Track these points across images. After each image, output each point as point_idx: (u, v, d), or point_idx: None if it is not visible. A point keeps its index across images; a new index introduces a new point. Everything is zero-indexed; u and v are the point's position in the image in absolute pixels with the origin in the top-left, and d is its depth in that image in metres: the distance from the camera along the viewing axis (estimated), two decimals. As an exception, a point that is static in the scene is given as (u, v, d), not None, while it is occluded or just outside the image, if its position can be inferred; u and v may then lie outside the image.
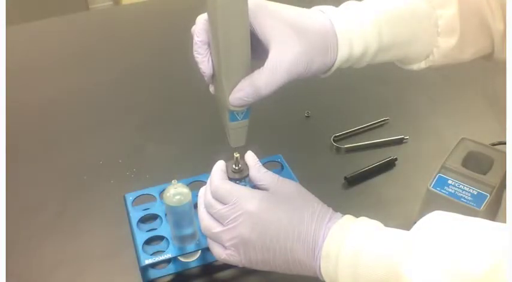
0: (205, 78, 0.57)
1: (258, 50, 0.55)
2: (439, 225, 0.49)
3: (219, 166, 0.62)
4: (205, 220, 0.60)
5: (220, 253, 0.59)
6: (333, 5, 0.59)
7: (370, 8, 0.59)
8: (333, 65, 0.58)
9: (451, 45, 0.61)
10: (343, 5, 0.59)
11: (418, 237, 0.49)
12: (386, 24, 0.58)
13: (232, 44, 0.52)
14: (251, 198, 0.57)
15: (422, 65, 0.64)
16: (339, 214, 0.58)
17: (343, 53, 0.57)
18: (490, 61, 0.66)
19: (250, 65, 0.55)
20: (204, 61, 0.56)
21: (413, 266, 0.47)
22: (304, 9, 0.58)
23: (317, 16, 0.57)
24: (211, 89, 0.59)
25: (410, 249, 0.49)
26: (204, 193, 0.62)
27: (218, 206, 0.58)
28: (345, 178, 0.82)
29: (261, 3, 0.55)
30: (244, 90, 0.54)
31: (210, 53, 0.56)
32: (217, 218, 0.59)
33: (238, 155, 0.61)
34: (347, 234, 0.54)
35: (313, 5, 0.59)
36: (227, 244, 0.58)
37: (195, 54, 0.56)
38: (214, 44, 0.54)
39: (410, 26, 0.60)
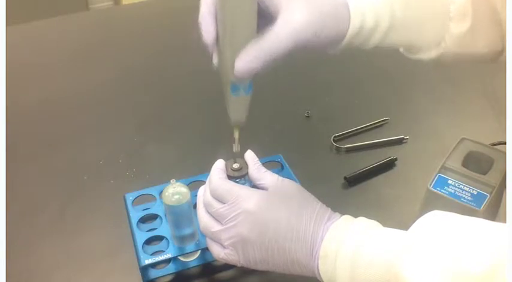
0: (208, 48, 0.55)
1: (265, 19, 0.53)
2: (438, 225, 0.49)
3: (218, 165, 0.62)
4: (204, 219, 0.60)
5: (219, 252, 0.59)
6: None
7: None
8: (344, 37, 0.56)
9: (463, 31, 0.60)
10: None
11: (416, 237, 0.49)
12: (398, 3, 0.58)
13: (238, 12, 0.51)
14: (250, 198, 0.57)
15: (433, 53, 0.62)
16: (337, 214, 0.58)
17: (354, 24, 0.56)
18: (497, 62, 0.65)
19: (256, 34, 0.53)
20: (208, 30, 0.53)
21: (412, 266, 0.47)
22: None
23: None
24: (215, 60, 0.56)
25: (409, 249, 0.49)
26: (203, 192, 0.62)
27: (217, 205, 0.58)
28: (345, 178, 0.81)
29: None
30: (251, 54, 0.52)
31: (216, 23, 0.54)
32: (216, 217, 0.59)
33: (237, 133, 0.60)
34: (345, 234, 0.54)
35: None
36: (226, 243, 0.58)
37: (200, 22, 0.54)
38: (220, 13, 0.52)
39: (422, 8, 0.59)
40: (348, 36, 0.56)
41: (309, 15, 0.52)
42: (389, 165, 0.84)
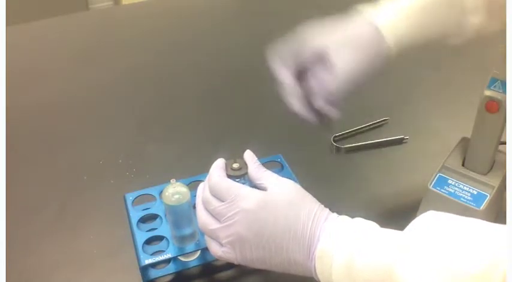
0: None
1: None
2: (433, 225, 0.49)
3: (218, 163, 0.62)
4: (203, 217, 0.60)
5: (217, 250, 0.59)
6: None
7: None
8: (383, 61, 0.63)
9: (479, 21, 0.64)
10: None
11: (411, 237, 0.50)
12: (422, 11, 0.63)
13: None
14: (248, 197, 0.57)
15: (457, 41, 0.67)
16: (335, 214, 0.58)
17: (393, 48, 0.63)
18: None
19: None
20: None
21: (407, 266, 0.47)
22: (347, 21, 0.63)
23: (361, 25, 0.63)
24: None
25: (404, 249, 0.49)
26: (202, 189, 0.62)
27: (215, 203, 0.58)
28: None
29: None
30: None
31: None
32: (214, 215, 0.59)
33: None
34: (342, 235, 0.54)
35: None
36: (223, 241, 0.58)
37: None
38: None
39: (443, 9, 0.64)
40: (389, 58, 0.63)
41: (357, 65, 0.62)
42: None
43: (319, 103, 0.64)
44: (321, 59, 0.62)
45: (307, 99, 0.65)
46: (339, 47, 0.62)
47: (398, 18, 0.62)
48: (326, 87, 0.62)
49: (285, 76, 0.65)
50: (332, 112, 0.65)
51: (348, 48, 0.62)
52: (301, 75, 0.66)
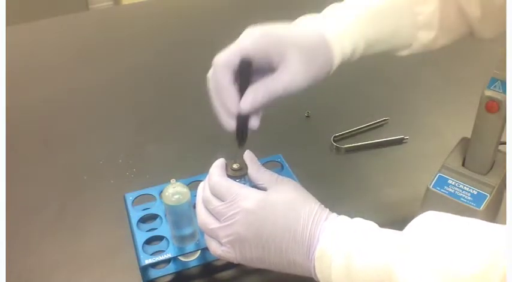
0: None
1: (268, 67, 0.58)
2: (432, 226, 0.49)
3: (219, 163, 0.62)
4: (203, 216, 0.60)
5: (216, 249, 0.59)
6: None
7: (354, 9, 0.62)
8: (329, 73, 0.61)
9: (430, 37, 0.66)
10: (328, 10, 0.63)
11: (410, 238, 0.50)
12: (370, 23, 0.62)
13: None
14: (249, 197, 0.57)
15: (405, 53, 0.68)
16: (335, 214, 0.58)
17: (338, 62, 0.61)
18: (473, 38, 0.69)
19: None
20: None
21: (407, 267, 0.47)
22: (298, 27, 0.61)
23: (311, 33, 0.60)
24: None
25: (404, 249, 0.49)
26: (202, 189, 0.62)
27: (216, 203, 0.58)
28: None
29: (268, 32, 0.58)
30: (258, 91, 0.57)
31: None
32: (214, 214, 0.59)
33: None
34: (341, 235, 0.54)
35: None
36: (223, 241, 0.58)
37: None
38: None
39: (391, 23, 0.64)
40: (332, 71, 0.61)
41: (305, 73, 0.58)
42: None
43: (245, 106, 0.57)
44: (267, 57, 0.57)
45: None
46: (291, 54, 0.57)
47: (347, 31, 0.60)
48: (262, 91, 0.57)
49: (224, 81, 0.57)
50: (255, 121, 0.60)
51: (298, 60, 0.57)
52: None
